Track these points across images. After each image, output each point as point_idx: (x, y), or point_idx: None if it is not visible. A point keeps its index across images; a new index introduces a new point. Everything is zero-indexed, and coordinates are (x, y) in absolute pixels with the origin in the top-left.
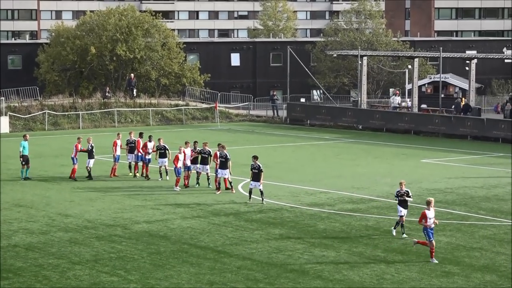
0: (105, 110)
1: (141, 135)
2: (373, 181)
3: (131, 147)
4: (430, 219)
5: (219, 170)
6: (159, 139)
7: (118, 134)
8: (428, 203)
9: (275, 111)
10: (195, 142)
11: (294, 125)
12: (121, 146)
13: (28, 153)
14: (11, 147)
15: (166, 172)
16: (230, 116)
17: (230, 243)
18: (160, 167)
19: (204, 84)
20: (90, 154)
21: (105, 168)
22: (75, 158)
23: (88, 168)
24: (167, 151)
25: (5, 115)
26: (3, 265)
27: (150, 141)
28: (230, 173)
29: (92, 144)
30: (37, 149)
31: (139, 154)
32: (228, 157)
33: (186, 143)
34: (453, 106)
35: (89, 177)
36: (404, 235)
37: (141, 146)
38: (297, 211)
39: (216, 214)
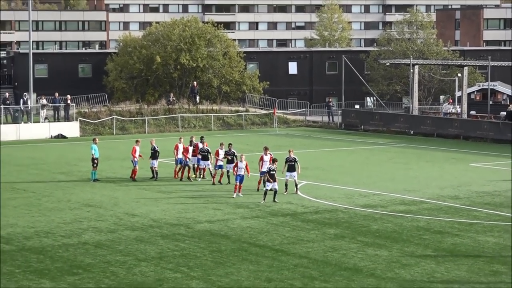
0: (170, 115)
1: (202, 139)
2: (424, 184)
3: (194, 151)
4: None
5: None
6: (202, 142)
7: (180, 138)
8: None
9: (331, 117)
10: (229, 144)
11: (349, 130)
12: (185, 150)
13: (98, 155)
14: (81, 150)
15: (211, 174)
16: (287, 122)
17: (287, 242)
18: (203, 169)
19: (263, 91)
20: (154, 155)
21: (168, 170)
22: (134, 161)
23: (154, 168)
24: (209, 154)
25: (76, 120)
26: (73, 261)
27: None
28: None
29: (155, 146)
30: (106, 152)
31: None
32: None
33: (221, 144)
34: (504, 113)
35: (154, 177)
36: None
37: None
38: (351, 212)
39: (274, 215)
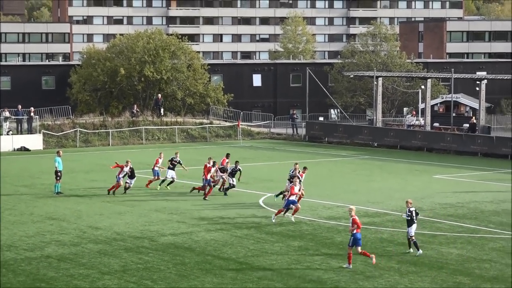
0: (134, 128)
1: (227, 156)
2: (387, 196)
3: (173, 164)
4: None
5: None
6: (176, 153)
7: (160, 153)
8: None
9: (295, 129)
10: (236, 162)
11: (313, 143)
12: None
13: (62, 168)
14: (44, 163)
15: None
16: (252, 134)
17: (251, 255)
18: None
19: (227, 104)
20: (132, 174)
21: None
22: (155, 170)
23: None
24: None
25: (39, 133)
26: (36, 275)
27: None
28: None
29: (131, 167)
30: (69, 165)
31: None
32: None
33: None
34: (467, 125)
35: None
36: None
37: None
38: (315, 225)
39: (238, 227)
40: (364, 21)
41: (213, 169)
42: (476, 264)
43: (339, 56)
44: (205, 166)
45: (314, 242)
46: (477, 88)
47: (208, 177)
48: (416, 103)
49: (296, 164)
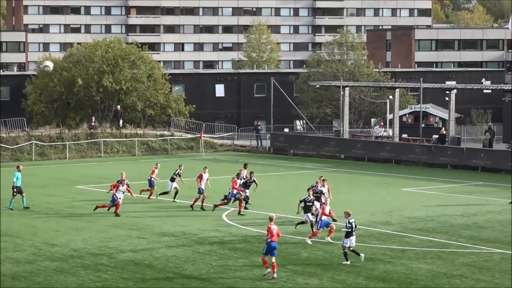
0: (92, 140)
1: (245, 166)
2: (354, 210)
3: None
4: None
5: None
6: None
7: (157, 163)
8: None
9: (259, 141)
10: (251, 172)
11: (278, 155)
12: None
13: (20, 184)
14: None
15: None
16: (214, 146)
17: (214, 272)
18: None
19: (189, 115)
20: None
21: (90, 197)
22: (150, 181)
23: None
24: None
25: None
26: None
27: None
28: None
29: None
30: (24, 179)
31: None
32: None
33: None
34: (436, 136)
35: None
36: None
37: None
38: (280, 240)
39: (200, 243)
40: (330, 29)
41: (239, 181)
42: (446, 280)
43: (304, 65)
44: (234, 180)
45: (279, 258)
46: (447, 98)
47: (235, 190)
48: (384, 113)
49: (321, 177)
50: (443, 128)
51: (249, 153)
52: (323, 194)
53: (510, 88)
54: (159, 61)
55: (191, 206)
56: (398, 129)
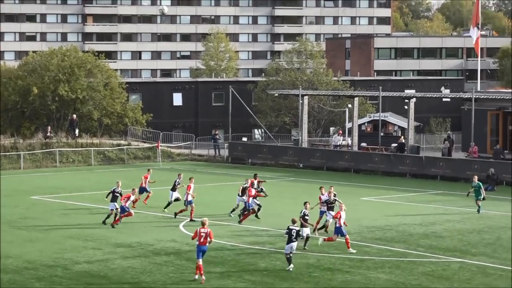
0: (47, 150)
1: (255, 177)
2: (313, 219)
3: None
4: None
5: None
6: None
7: (149, 169)
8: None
9: (217, 150)
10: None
11: (236, 164)
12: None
13: None
14: None
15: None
16: (172, 156)
17: (171, 283)
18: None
19: (146, 124)
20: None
21: (45, 208)
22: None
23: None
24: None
25: None
26: None
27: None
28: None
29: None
30: None
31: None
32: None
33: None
34: (395, 145)
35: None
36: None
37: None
38: (238, 250)
39: (157, 254)
40: (289, 37)
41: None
42: None
43: (263, 73)
44: (249, 190)
45: (236, 268)
46: (406, 107)
47: (251, 200)
48: (343, 122)
49: (331, 188)
50: (402, 137)
51: (207, 162)
52: (335, 202)
53: (469, 96)
54: (116, 70)
55: (175, 214)
56: (357, 138)
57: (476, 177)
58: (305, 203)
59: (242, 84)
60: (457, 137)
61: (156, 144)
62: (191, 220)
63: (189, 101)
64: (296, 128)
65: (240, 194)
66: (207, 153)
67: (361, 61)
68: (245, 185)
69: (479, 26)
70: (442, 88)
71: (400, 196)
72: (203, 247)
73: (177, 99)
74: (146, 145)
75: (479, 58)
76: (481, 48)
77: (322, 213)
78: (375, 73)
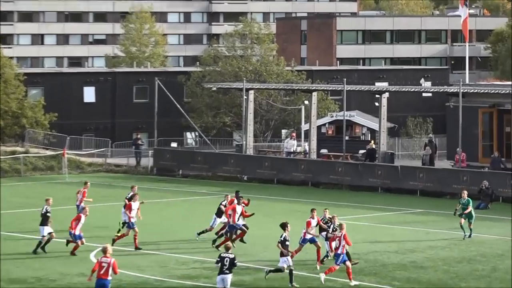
0: None
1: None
2: (261, 246)
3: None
4: None
5: None
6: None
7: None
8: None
9: (139, 158)
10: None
11: (163, 177)
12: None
13: None
14: None
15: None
16: (81, 166)
17: None
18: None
19: (50, 126)
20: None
21: None
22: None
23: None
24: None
25: None
26: None
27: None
28: None
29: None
30: None
31: None
32: None
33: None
34: (363, 151)
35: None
36: None
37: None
38: (165, 286)
39: None
40: (230, 17)
41: (239, 208)
42: None
43: (198, 62)
44: (234, 207)
45: None
46: (377, 104)
47: (237, 219)
48: (298, 123)
49: (326, 209)
50: (372, 142)
51: (126, 174)
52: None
53: (456, 90)
54: (11, 58)
55: (113, 240)
56: (316, 143)
57: (465, 192)
58: (284, 225)
59: (171, 75)
60: (441, 142)
61: (62, 152)
62: (136, 248)
63: (103, 97)
64: (239, 131)
65: (216, 214)
66: (127, 162)
67: (321, 46)
68: (224, 202)
69: (467, 3)
70: (422, 81)
71: (370, 216)
72: (104, 281)
73: (89, 94)
74: (49, 152)
75: (467, 43)
76: (470, 31)
77: (305, 241)
78: (338, 62)
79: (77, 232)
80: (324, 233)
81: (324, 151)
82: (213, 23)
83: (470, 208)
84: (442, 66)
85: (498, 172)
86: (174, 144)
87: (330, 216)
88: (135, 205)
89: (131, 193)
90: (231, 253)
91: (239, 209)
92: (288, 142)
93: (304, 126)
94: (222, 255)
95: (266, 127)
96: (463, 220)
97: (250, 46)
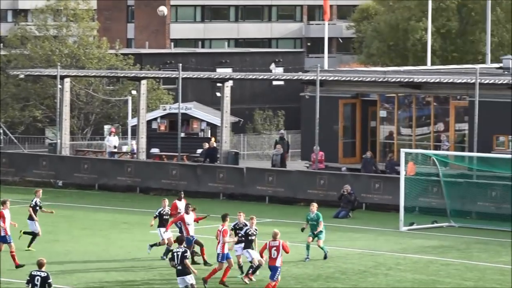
0: None
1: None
2: (81, 265)
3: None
4: None
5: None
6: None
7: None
8: None
9: None
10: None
11: None
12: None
13: None
14: None
15: None
16: None
17: None
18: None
19: None
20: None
21: None
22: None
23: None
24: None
25: None
26: None
27: None
28: None
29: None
30: None
31: None
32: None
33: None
34: (201, 150)
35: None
36: None
37: None
38: None
39: None
40: None
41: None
42: None
43: (1, 44)
44: (181, 217)
45: None
46: (218, 94)
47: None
48: (124, 117)
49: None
50: (213, 139)
51: None
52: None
53: (312, 78)
54: None
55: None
56: (146, 141)
57: (315, 204)
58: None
59: None
60: (294, 139)
61: None
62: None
63: None
64: (52, 127)
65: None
66: None
67: (151, 25)
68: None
69: None
70: (272, 66)
71: (206, 227)
72: None
73: None
74: None
75: (326, 22)
76: (330, 6)
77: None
78: (172, 44)
79: None
80: (238, 246)
81: (155, 150)
82: None
83: (322, 226)
84: (297, 48)
85: (361, 174)
86: None
87: (245, 222)
88: (7, 213)
89: (37, 199)
90: (43, 271)
91: (189, 218)
92: (108, 140)
93: (131, 121)
94: (33, 273)
95: (86, 123)
96: (310, 238)
97: (66, 24)
